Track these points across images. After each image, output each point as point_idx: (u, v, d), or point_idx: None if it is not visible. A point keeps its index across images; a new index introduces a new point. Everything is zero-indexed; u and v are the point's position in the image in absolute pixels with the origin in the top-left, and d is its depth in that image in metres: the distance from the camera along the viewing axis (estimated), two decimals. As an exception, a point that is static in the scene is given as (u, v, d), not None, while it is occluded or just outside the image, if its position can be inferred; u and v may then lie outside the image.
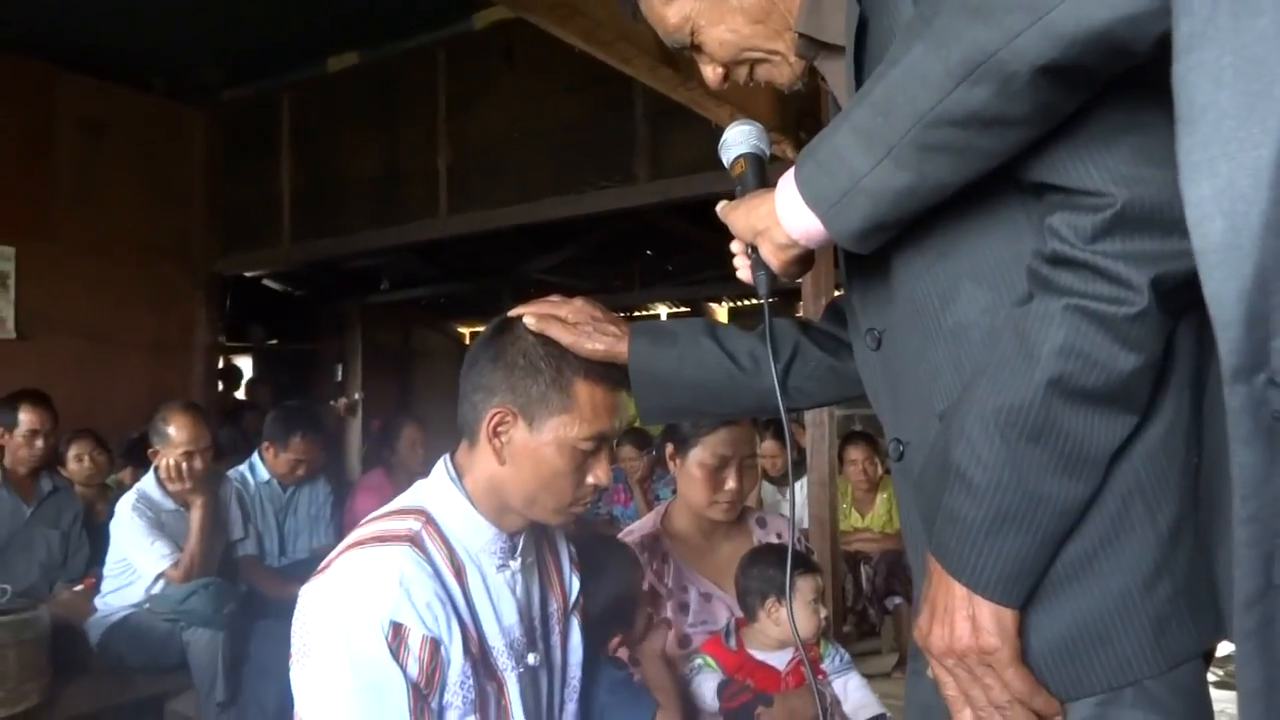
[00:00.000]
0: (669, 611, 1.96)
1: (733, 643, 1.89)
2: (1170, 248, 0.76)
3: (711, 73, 1.11)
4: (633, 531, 2.12)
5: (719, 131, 1.19)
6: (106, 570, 3.29)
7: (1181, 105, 0.55)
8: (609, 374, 1.28)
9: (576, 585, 1.51)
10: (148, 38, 5.04)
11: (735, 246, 1.07)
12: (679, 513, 2.09)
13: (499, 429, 1.28)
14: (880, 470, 4.66)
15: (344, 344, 8.04)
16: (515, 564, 1.34)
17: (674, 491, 4.90)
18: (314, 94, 5.54)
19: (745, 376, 1.25)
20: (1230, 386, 0.54)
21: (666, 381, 1.27)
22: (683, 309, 9.22)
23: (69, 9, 4.62)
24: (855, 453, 4.64)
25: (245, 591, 3.43)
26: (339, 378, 8.03)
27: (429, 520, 1.28)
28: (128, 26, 4.86)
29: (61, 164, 5.21)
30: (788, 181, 0.93)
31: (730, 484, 1.98)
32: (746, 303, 8.84)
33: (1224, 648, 0.93)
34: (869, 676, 2.00)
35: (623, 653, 1.71)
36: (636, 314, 8.93)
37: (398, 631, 1.16)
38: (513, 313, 1.32)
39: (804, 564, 1.92)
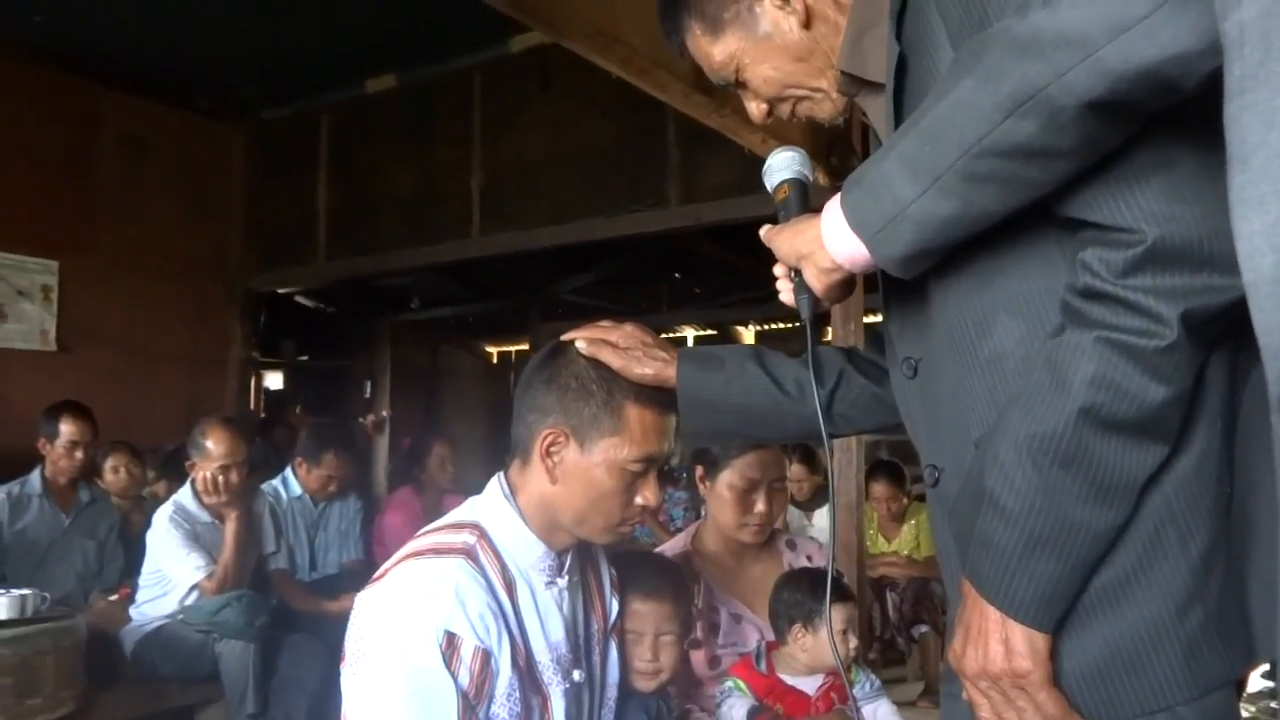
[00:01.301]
0: (699, 632, 1.97)
1: (763, 665, 1.89)
2: (1200, 283, 0.78)
3: (755, 108, 1.15)
4: (663, 552, 2.13)
5: (751, 157, 1.23)
6: (142, 580, 3.34)
7: (1233, 144, 0.56)
8: (658, 397, 1.32)
9: (616, 606, 1.54)
10: (191, 58, 5.16)
11: (778, 270, 1.10)
12: (709, 534, 2.11)
13: (551, 449, 1.31)
14: (906, 502, 4.62)
15: (373, 361, 8.11)
16: (563, 581, 1.37)
17: (685, 511, 4.88)
18: (352, 115, 5.64)
19: (790, 402, 1.28)
20: (1277, 414, 0.56)
21: (713, 405, 1.30)
22: (710, 331, 9.24)
23: (116, 29, 4.75)
24: (879, 489, 4.55)
25: (275, 605, 3.47)
26: (367, 394, 8.10)
27: (483, 535, 1.32)
28: (172, 47, 4.98)
29: (104, 180, 5.33)
30: (833, 207, 0.95)
31: (759, 506, 2.00)
32: (774, 326, 8.85)
33: (1257, 684, 0.94)
34: (895, 704, 2.00)
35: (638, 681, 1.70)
36: (663, 336, 8.93)
37: (451, 641, 1.19)
38: (565, 337, 1.36)
39: (837, 591, 1.92)
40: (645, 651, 1.63)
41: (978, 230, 0.87)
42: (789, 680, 1.88)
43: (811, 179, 1.19)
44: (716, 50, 1.12)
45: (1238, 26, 0.55)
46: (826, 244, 0.96)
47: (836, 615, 1.86)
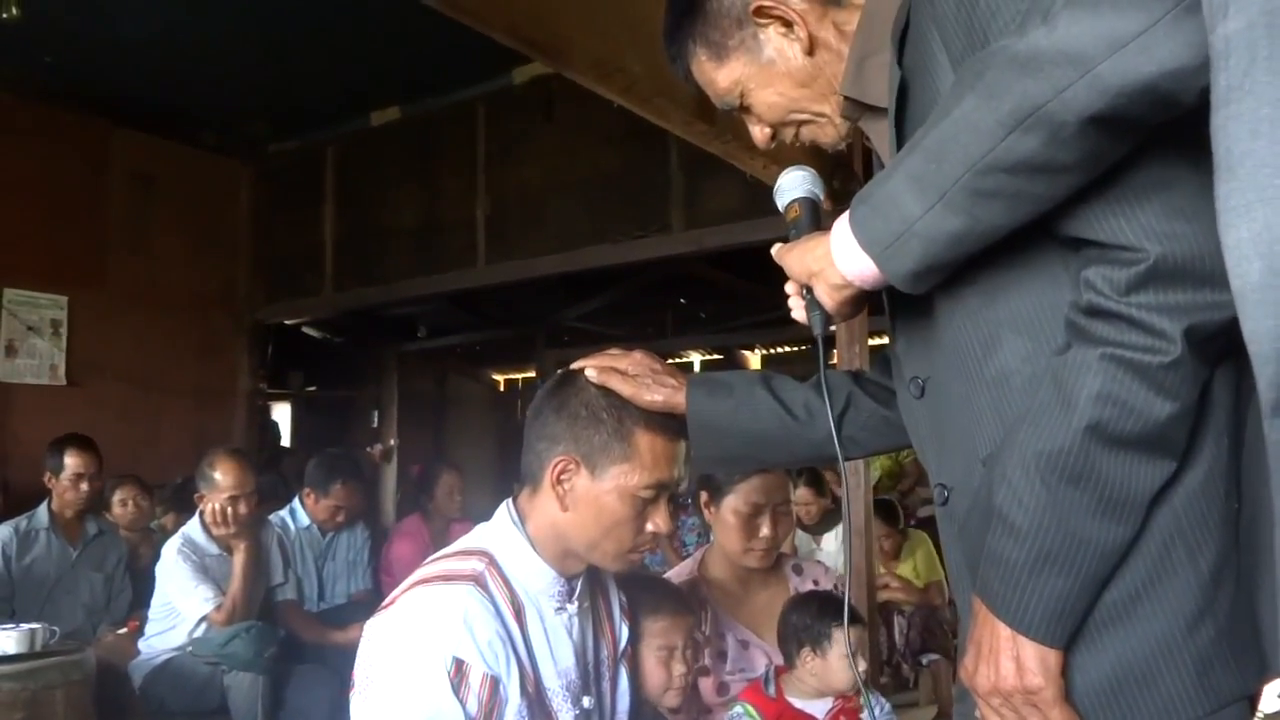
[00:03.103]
0: (707, 659, 1.96)
1: (772, 690, 1.88)
2: (1202, 299, 0.79)
3: (759, 133, 1.16)
4: (670, 578, 2.13)
5: (752, 182, 1.23)
6: (151, 613, 3.34)
7: (1220, 154, 0.57)
8: (668, 424, 1.33)
9: (626, 633, 1.54)
10: (198, 94, 5.22)
11: (790, 287, 1.11)
12: (715, 560, 2.10)
13: (562, 477, 1.32)
14: (901, 539, 4.60)
15: (380, 390, 8.12)
16: (573, 607, 1.38)
17: (698, 536, 4.87)
18: (357, 147, 5.68)
19: (799, 426, 1.29)
20: (1270, 421, 0.56)
21: (722, 431, 1.31)
22: (715, 356, 9.24)
23: (125, 68, 4.81)
24: (876, 528, 4.56)
25: (284, 636, 3.46)
26: (375, 424, 8.11)
27: (491, 561, 1.32)
28: (179, 84, 5.04)
29: (113, 215, 5.37)
30: (842, 225, 0.96)
31: (765, 530, 1.99)
32: (780, 350, 8.85)
33: (1275, 704, 0.93)
34: (907, 728, 1.98)
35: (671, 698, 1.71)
36: (669, 361, 8.92)
37: (460, 668, 1.19)
38: (575, 365, 1.38)
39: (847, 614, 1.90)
40: (679, 665, 1.66)
41: (986, 244, 0.88)
42: (798, 704, 1.87)
43: (822, 198, 1.20)
44: (721, 76, 1.13)
45: (1224, 39, 0.56)
46: (836, 261, 0.97)
47: (842, 638, 1.85)
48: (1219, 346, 0.82)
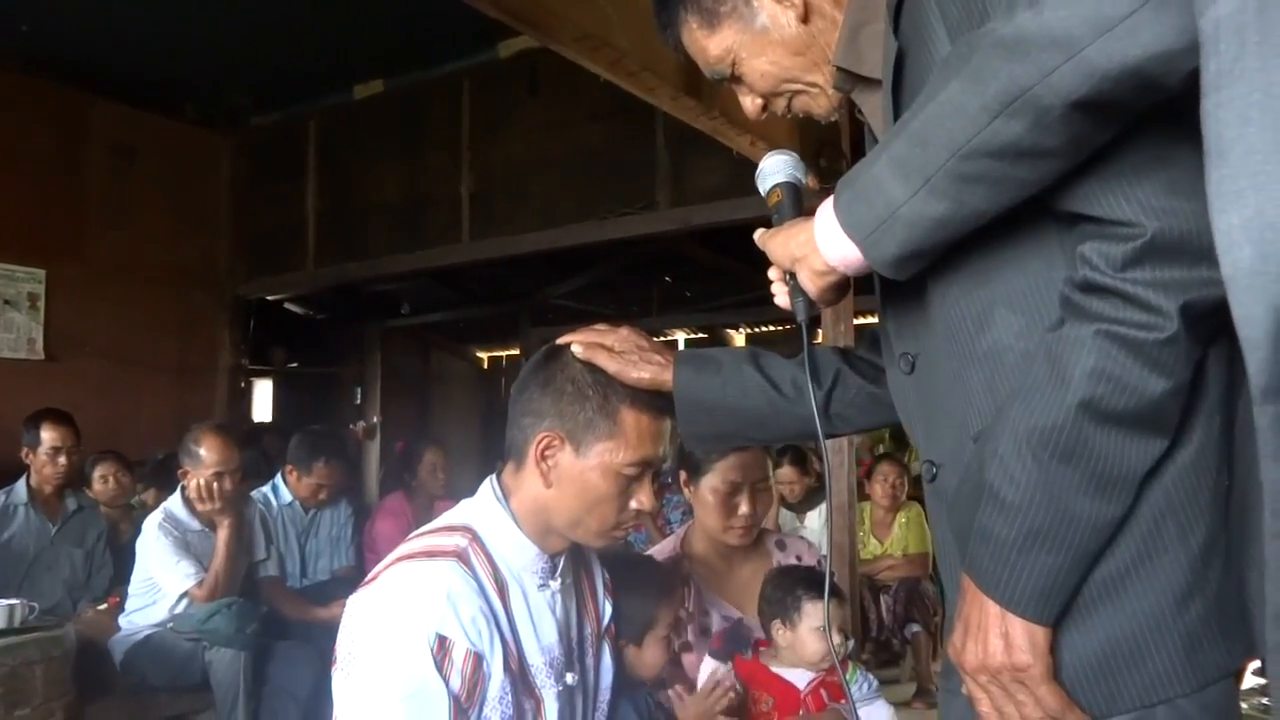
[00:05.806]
0: (691, 635, 1.97)
1: (749, 656, 1.90)
2: (1199, 276, 0.78)
3: (751, 103, 1.14)
4: (653, 555, 2.13)
5: (739, 159, 1.22)
6: (132, 589, 3.32)
7: (1210, 139, 0.57)
8: (654, 401, 1.31)
9: (609, 610, 1.53)
10: (179, 65, 5.16)
11: (773, 273, 1.10)
12: (697, 537, 2.10)
13: (546, 453, 1.31)
14: (904, 494, 4.64)
15: (364, 367, 8.10)
16: (556, 584, 1.37)
17: (684, 515, 4.90)
18: (340, 121, 5.63)
19: (787, 403, 1.28)
20: (1260, 405, 0.56)
21: (710, 408, 1.29)
22: (700, 335, 9.25)
23: (104, 38, 4.74)
24: (887, 467, 4.65)
25: (266, 612, 3.44)
26: (358, 401, 8.08)
27: (475, 538, 1.31)
28: (160, 55, 4.98)
29: (92, 188, 5.31)
30: (826, 210, 0.95)
31: (743, 508, 1.99)
32: (765, 329, 8.86)
33: (1248, 680, 0.94)
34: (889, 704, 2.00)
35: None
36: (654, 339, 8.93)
37: (443, 644, 1.19)
38: (561, 341, 1.36)
39: (817, 588, 1.88)
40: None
41: (969, 230, 0.87)
42: (776, 670, 1.87)
43: (805, 182, 1.19)
44: (712, 44, 1.11)
45: (1213, 23, 0.56)
46: (820, 246, 0.96)
47: (815, 611, 1.85)
48: (1214, 324, 0.81)
